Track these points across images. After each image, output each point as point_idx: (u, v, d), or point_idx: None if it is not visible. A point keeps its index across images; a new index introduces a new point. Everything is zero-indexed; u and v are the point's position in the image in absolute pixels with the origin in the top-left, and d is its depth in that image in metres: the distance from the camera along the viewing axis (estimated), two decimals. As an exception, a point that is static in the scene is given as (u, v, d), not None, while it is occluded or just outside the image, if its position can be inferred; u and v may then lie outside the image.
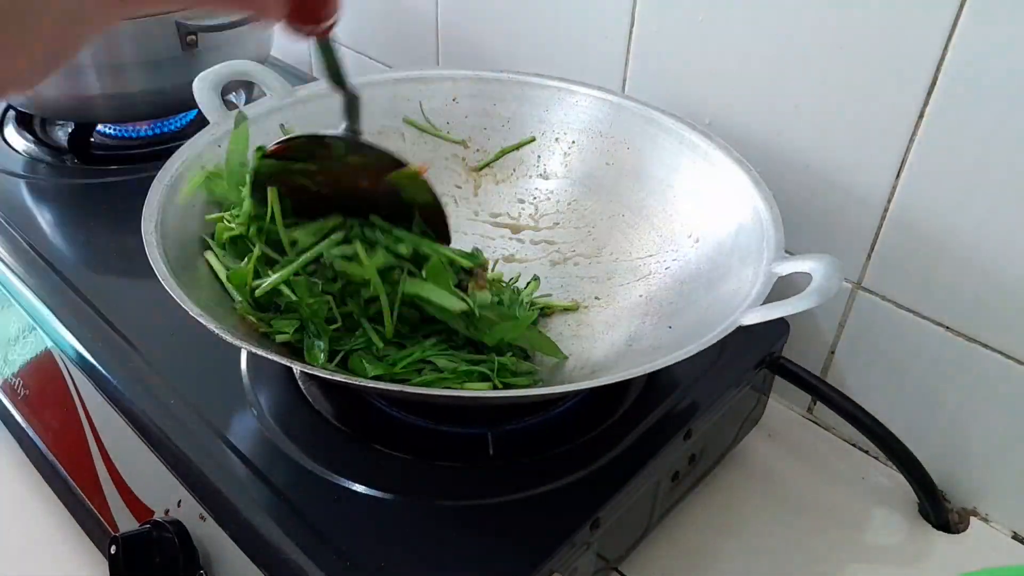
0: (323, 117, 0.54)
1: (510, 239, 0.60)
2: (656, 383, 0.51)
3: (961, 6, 0.45)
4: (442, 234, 0.48)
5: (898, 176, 0.52)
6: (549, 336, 0.52)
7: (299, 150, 0.45)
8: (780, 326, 0.56)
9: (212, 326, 0.40)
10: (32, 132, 0.76)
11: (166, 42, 0.68)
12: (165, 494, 0.49)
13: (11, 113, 0.78)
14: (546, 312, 0.55)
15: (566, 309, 0.55)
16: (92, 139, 0.74)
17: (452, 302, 0.46)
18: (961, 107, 0.48)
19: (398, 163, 0.45)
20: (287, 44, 0.87)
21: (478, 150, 0.62)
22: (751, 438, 0.61)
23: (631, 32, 0.62)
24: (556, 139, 0.61)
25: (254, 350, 0.39)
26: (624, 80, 0.64)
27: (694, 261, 0.52)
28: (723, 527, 0.56)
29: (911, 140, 0.50)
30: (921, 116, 0.49)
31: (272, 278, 0.46)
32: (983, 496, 0.57)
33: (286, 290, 0.46)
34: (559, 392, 0.42)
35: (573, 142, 0.61)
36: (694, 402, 0.50)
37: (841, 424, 0.60)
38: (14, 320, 0.60)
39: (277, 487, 0.44)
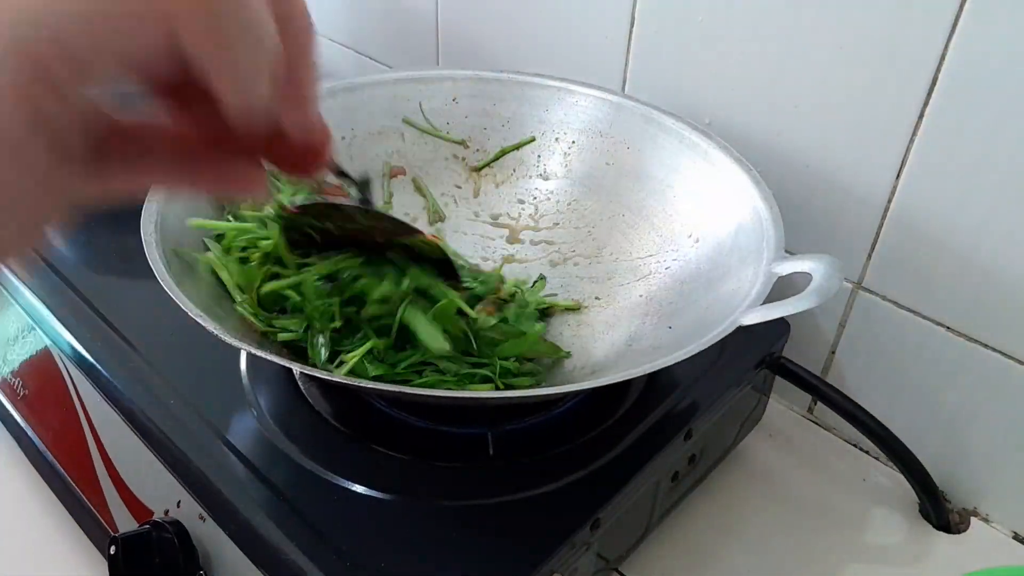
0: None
1: (510, 239, 0.60)
2: (656, 383, 0.51)
3: (961, 6, 0.45)
4: (451, 275, 0.49)
5: (898, 176, 0.52)
6: (549, 336, 0.52)
7: (317, 213, 0.47)
8: (780, 326, 0.56)
9: (211, 326, 0.40)
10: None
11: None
12: (165, 494, 0.48)
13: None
14: (547, 312, 0.55)
15: (568, 309, 0.55)
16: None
17: (437, 343, 0.45)
18: (961, 107, 0.48)
19: (413, 230, 0.47)
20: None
21: (478, 150, 0.62)
22: (751, 438, 0.61)
23: (631, 32, 0.62)
24: (556, 139, 0.61)
25: (254, 350, 0.39)
26: (624, 80, 0.64)
27: (694, 261, 0.52)
28: (723, 527, 0.56)
29: (911, 140, 0.50)
30: (921, 116, 0.49)
31: (287, 280, 0.47)
32: (984, 496, 0.57)
33: (293, 293, 0.46)
34: (559, 392, 0.42)
35: (573, 142, 0.61)
36: (694, 402, 0.50)
37: (841, 424, 0.60)
38: (13, 320, 0.60)
39: (277, 487, 0.44)
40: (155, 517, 0.49)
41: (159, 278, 0.42)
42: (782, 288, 0.43)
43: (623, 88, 0.65)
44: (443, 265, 0.48)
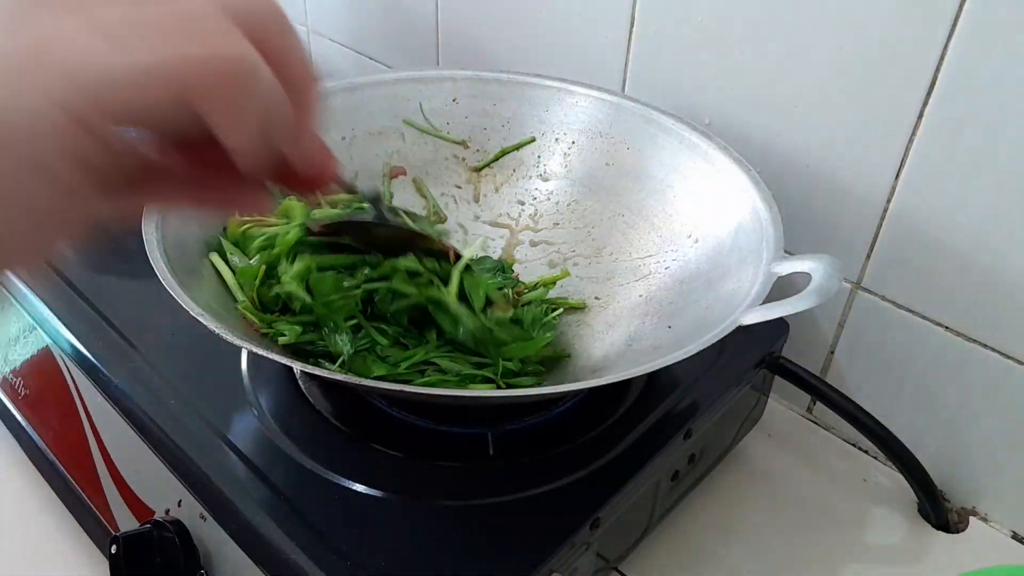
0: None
1: (510, 240, 0.60)
2: (656, 383, 0.51)
3: (961, 6, 0.45)
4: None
5: (898, 176, 0.52)
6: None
7: (337, 229, 0.49)
8: (780, 326, 0.56)
9: (212, 326, 0.40)
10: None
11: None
12: (165, 494, 0.49)
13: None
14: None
15: (574, 307, 0.55)
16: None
17: (470, 320, 0.47)
18: (960, 107, 0.48)
19: (428, 238, 0.49)
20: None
21: (478, 150, 0.62)
22: (751, 438, 0.61)
23: (631, 32, 0.62)
24: (556, 139, 0.61)
25: (255, 350, 0.39)
26: (624, 80, 0.64)
27: (694, 261, 0.52)
28: (723, 527, 0.56)
29: (911, 140, 0.50)
30: (920, 116, 0.49)
31: (296, 267, 0.47)
32: (983, 496, 0.57)
33: (300, 292, 0.46)
34: (559, 392, 0.42)
35: (573, 142, 0.61)
36: (694, 402, 0.50)
37: (841, 424, 0.60)
38: (14, 319, 0.60)
39: (277, 487, 0.44)
40: (156, 516, 0.49)
41: (160, 278, 0.42)
42: (782, 288, 0.43)
43: (623, 88, 0.65)
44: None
